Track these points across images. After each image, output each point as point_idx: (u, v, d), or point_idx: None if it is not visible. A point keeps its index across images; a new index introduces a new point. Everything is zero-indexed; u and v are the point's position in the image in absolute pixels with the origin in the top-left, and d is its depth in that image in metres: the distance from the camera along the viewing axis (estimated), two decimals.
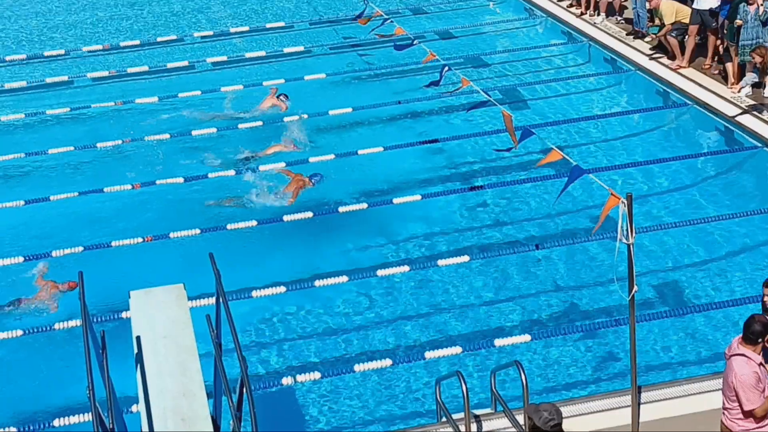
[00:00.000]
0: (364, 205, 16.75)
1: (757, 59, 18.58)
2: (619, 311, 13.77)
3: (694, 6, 21.18)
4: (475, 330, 14.20)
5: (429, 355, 12.90)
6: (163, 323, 9.59)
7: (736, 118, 18.99)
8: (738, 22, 19.54)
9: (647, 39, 23.33)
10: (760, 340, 9.80)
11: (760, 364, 9.84)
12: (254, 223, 15.87)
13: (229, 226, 15.70)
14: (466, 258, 15.27)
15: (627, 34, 23.91)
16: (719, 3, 20.63)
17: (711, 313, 14.00)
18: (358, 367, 12.67)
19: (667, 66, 21.85)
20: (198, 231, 15.67)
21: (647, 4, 22.37)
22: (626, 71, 22.49)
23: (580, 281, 15.19)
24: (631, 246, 10.89)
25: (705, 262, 15.59)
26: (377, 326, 14.55)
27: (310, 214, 16.15)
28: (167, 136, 20.03)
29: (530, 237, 16.27)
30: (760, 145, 18.22)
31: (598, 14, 25.24)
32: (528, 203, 17.23)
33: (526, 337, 13.37)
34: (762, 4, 19.25)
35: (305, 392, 13.05)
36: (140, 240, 15.36)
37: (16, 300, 15.32)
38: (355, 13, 24.93)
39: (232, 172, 18.20)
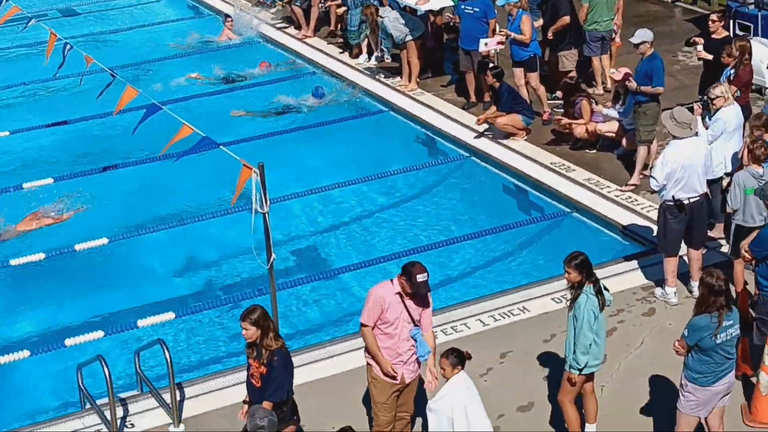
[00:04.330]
0: None
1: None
2: (261, 281, 13.87)
3: None
4: (117, 311, 13.91)
5: (69, 342, 12.57)
6: None
7: (363, 85, 19.65)
8: (341, 9, 20.33)
9: (273, 10, 23.64)
10: None
11: None
12: None
13: None
14: (104, 240, 14.95)
15: (253, 6, 24.12)
16: None
17: (350, 274, 14.44)
18: None
19: (293, 36, 22.25)
20: None
21: None
22: (256, 44, 22.67)
23: (220, 254, 15.21)
24: (267, 215, 11.04)
25: (338, 226, 16.01)
26: (7, 315, 14.02)
27: None
28: None
29: (170, 213, 16.08)
30: (385, 109, 18.90)
31: None
32: (167, 182, 16.96)
33: (170, 315, 13.27)
34: None
35: None
36: None
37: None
38: None
39: None
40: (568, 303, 10.20)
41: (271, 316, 9.86)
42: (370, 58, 20.50)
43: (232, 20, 23.08)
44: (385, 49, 20.14)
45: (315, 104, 19.55)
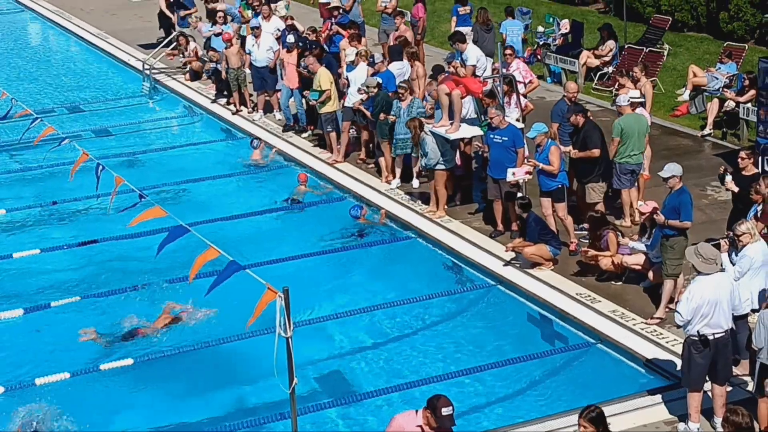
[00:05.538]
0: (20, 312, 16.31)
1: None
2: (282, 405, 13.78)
3: (345, 104, 21.94)
4: None
5: None
6: None
7: (392, 211, 19.76)
8: (392, 117, 20.35)
9: (304, 135, 23.96)
10: None
11: None
12: None
13: None
14: (129, 361, 15.03)
15: (283, 131, 24.45)
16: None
17: (372, 400, 14.33)
18: None
19: (324, 161, 22.48)
20: None
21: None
22: (285, 167, 22.92)
23: (242, 377, 15.16)
24: (290, 339, 11.04)
25: (363, 351, 15.96)
26: None
27: None
28: None
29: (194, 334, 16.10)
30: (412, 235, 18.98)
31: (257, 111, 25.67)
32: (190, 300, 17.04)
33: None
34: (413, 99, 20.16)
35: None
36: None
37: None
38: None
39: None
40: None
41: None
42: (413, 182, 20.67)
43: (263, 143, 23.48)
44: (422, 168, 20.25)
45: (355, 224, 19.76)
